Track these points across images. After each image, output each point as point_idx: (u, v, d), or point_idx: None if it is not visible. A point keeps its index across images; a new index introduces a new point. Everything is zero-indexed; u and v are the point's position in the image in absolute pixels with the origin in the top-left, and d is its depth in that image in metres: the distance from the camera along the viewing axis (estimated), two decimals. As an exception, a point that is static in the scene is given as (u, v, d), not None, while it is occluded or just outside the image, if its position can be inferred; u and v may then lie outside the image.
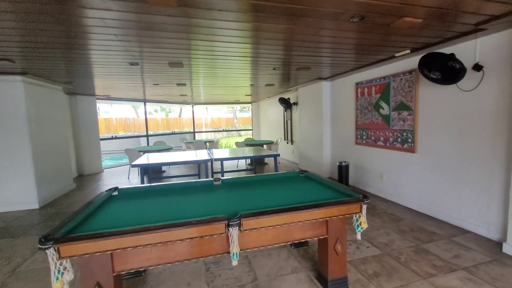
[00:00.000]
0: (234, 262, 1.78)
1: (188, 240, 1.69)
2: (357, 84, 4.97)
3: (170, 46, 3.11)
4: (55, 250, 1.46)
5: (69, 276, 1.54)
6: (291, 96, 8.24)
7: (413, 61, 3.71)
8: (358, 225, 2.10)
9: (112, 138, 9.56)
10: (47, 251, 1.45)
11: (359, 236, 2.15)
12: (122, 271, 1.73)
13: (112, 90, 6.81)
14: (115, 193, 2.41)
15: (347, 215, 2.05)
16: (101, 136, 8.06)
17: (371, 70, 4.60)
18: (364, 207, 2.05)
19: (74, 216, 1.79)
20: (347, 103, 5.36)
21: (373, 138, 4.63)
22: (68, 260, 1.53)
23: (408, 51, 3.52)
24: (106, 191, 2.38)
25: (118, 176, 7.19)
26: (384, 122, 4.34)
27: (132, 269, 1.76)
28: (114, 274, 1.70)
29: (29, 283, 2.35)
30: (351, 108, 5.20)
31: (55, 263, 1.48)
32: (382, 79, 4.32)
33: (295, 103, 7.93)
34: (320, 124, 6.10)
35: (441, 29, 2.74)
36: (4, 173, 4.35)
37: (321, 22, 2.47)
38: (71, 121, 7.17)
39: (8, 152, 4.34)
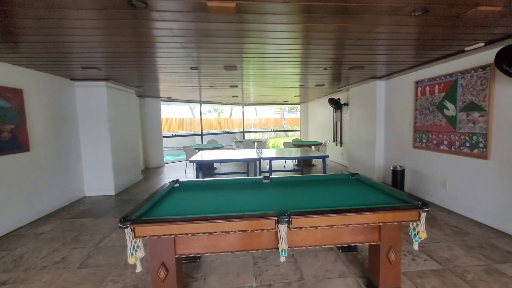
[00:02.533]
0: (282, 258, 1.84)
1: (240, 232, 1.82)
2: (417, 82, 4.56)
3: (225, 50, 3.32)
4: (131, 229, 1.73)
5: (140, 253, 1.80)
6: (341, 96, 7.94)
7: (488, 55, 3.26)
8: (415, 234, 1.97)
9: (172, 136, 10.60)
10: (125, 230, 1.72)
11: (416, 247, 2.02)
12: (182, 254, 1.95)
13: (173, 93, 7.54)
14: (177, 185, 2.70)
15: (403, 222, 1.94)
16: (163, 134, 8.97)
17: (434, 67, 4.18)
18: (423, 215, 1.91)
19: (145, 202, 2.08)
20: (404, 103, 4.96)
21: (434, 141, 4.20)
22: (141, 239, 1.79)
23: (482, 44, 3.12)
24: (169, 182, 2.68)
25: (176, 170, 7.91)
26: (448, 124, 3.90)
27: (190, 254, 1.97)
28: (176, 257, 1.92)
29: (107, 257, 2.79)
30: (409, 108, 4.79)
31: (131, 241, 1.74)
32: (448, 77, 3.89)
33: (346, 104, 7.62)
34: (372, 125, 5.76)
35: (527, 17, 2.37)
36: (90, 164, 5.20)
37: (378, 18, 2.37)
38: (140, 121, 8.14)
39: (93, 146, 5.17)
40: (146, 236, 1.76)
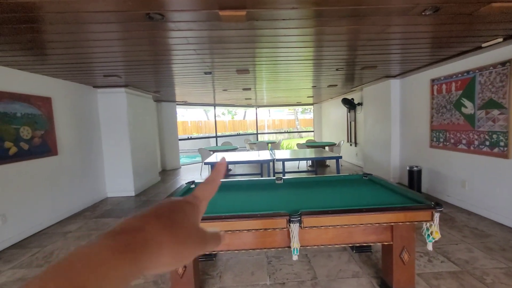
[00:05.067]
0: (295, 257, 1.89)
1: (253, 231, 1.89)
2: (432, 80, 4.47)
3: (237, 55, 3.42)
4: (151, 227, 1.85)
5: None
6: (355, 96, 7.85)
7: (507, 51, 3.16)
8: (428, 235, 1.96)
9: (188, 138, 10.92)
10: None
11: (430, 247, 2.01)
12: (199, 252, 2.05)
13: (188, 97, 7.76)
14: (193, 186, 2.81)
15: (415, 223, 1.94)
16: (179, 137, 9.23)
17: (450, 64, 4.07)
18: (437, 215, 1.90)
19: (164, 202, 2.20)
20: (420, 102, 4.85)
21: (452, 140, 4.09)
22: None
23: (500, 39, 3.03)
24: (186, 184, 2.80)
25: (192, 172, 8.12)
26: (467, 123, 3.80)
27: (206, 252, 2.06)
28: (192, 254, 2.03)
29: (129, 254, 2.95)
30: (425, 107, 4.69)
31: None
32: (465, 74, 3.79)
33: (360, 104, 7.53)
34: (387, 125, 5.67)
35: (546, 12, 2.30)
36: (112, 166, 5.47)
37: (388, 19, 2.38)
38: (157, 124, 8.43)
39: (114, 150, 5.44)
40: (165, 234, 1.87)
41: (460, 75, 3.89)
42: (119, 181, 5.48)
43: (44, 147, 3.92)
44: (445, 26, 2.59)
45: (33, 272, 2.65)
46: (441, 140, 4.33)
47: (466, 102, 3.80)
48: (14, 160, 3.43)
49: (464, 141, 3.88)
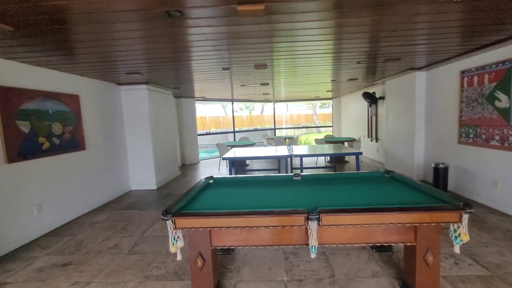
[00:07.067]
0: (313, 255, 1.87)
1: (270, 227, 1.89)
2: (462, 72, 4.18)
3: (255, 50, 3.40)
4: (172, 221, 1.90)
5: (180, 243, 1.97)
6: (376, 90, 7.56)
7: (551, 39, 2.88)
8: (456, 237, 1.86)
9: (206, 134, 11.15)
10: (167, 221, 1.89)
11: (457, 250, 1.90)
12: (217, 246, 2.09)
13: (207, 92, 7.87)
14: (211, 181, 2.87)
15: (442, 224, 1.85)
16: (198, 132, 9.40)
17: (482, 55, 3.79)
18: (466, 217, 1.80)
19: (183, 197, 2.25)
20: (448, 95, 4.58)
21: (484, 136, 3.83)
22: (180, 231, 1.96)
23: (543, 27, 2.77)
24: (205, 179, 2.85)
25: (211, 166, 8.26)
26: (501, 117, 3.53)
27: (224, 246, 2.09)
28: (211, 248, 2.06)
29: (152, 245, 3.07)
30: (454, 100, 4.42)
31: (172, 232, 1.92)
32: (500, 64, 3.51)
33: (382, 97, 7.24)
34: (411, 120, 5.42)
35: None
36: (135, 161, 5.69)
37: (415, 8, 2.25)
38: (177, 120, 8.63)
39: (137, 144, 5.65)
40: (185, 228, 1.92)
41: (494, 65, 3.61)
42: (142, 175, 5.70)
43: (73, 142, 4.15)
44: (479, 13, 2.40)
45: (66, 259, 2.85)
46: (471, 136, 4.07)
47: (501, 95, 3.53)
48: (47, 154, 3.66)
49: (497, 137, 3.62)
